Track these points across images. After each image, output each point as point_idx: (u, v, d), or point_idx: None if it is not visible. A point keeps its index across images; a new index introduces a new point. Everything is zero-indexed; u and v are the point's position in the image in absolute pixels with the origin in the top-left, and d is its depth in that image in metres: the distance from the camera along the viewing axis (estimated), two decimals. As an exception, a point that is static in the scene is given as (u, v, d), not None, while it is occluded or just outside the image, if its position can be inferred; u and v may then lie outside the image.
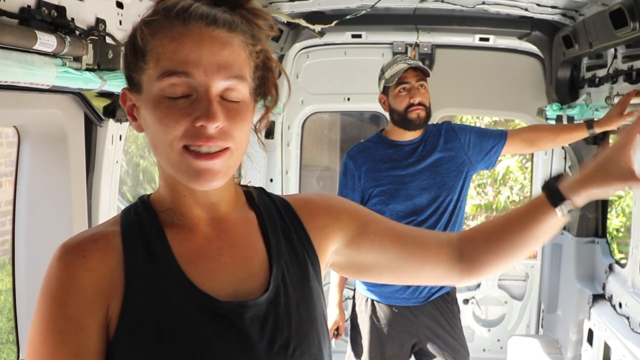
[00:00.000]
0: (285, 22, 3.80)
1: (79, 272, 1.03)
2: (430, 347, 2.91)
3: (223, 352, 1.03)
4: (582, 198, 1.22)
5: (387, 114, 3.00)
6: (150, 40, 1.02)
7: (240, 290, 1.09)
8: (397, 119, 2.85)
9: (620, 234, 6.98)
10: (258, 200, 1.20)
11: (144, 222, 1.11)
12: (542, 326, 4.60)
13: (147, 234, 1.09)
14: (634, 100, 2.78)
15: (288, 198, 1.25)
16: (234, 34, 1.03)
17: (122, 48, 1.14)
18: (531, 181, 4.80)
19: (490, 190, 8.35)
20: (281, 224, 1.19)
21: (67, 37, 1.81)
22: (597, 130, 2.89)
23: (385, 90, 2.88)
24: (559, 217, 1.23)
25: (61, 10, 1.89)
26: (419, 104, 2.81)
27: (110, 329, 1.04)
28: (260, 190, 1.24)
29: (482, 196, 8.32)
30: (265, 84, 1.13)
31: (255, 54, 1.08)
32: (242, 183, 1.24)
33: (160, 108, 1.01)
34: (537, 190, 4.54)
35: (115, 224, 1.12)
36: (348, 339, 3.08)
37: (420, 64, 2.86)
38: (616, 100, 2.90)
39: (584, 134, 2.94)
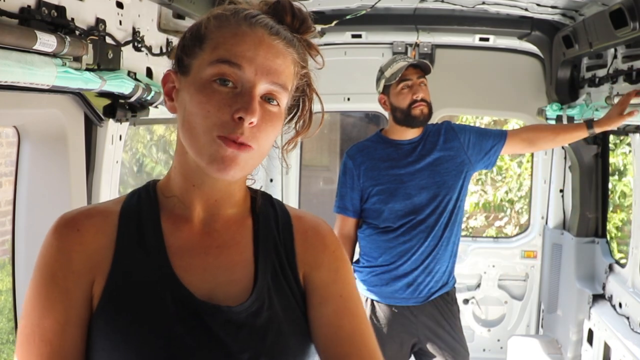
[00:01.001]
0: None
1: (71, 245, 1.08)
2: (430, 347, 2.91)
3: (191, 348, 1.05)
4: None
5: (387, 114, 2.99)
6: (214, 30, 1.08)
7: (216, 293, 1.10)
8: (400, 116, 2.85)
9: (621, 234, 6.97)
10: (260, 208, 1.21)
11: (144, 207, 1.14)
12: (542, 326, 4.60)
13: (144, 219, 1.13)
14: (634, 100, 2.78)
15: (293, 213, 1.24)
16: (291, 49, 1.10)
17: (177, 38, 1.17)
18: (531, 181, 4.80)
19: (490, 190, 8.35)
20: (276, 238, 1.19)
21: (67, 37, 1.81)
22: (597, 130, 2.89)
23: (385, 90, 2.88)
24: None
25: (61, 10, 1.90)
26: (422, 100, 2.81)
27: (93, 303, 1.08)
28: (267, 198, 1.25)
29: (482, 194, 8.32)
30: (301, 108, 1.18)
31: (300, 75, 1.14)
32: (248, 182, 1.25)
33: (204, 92, 1.05)
34: (538, 189, 4.55)
35: (118, 204, 1.15)
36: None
37: (422, 60, 2.87)
38: (616, 100, 2.90)
39: (584, 134, 2.94)
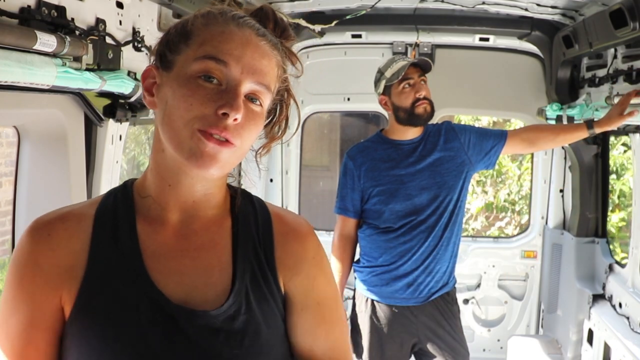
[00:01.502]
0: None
1: (41, 249, 1.07)
2: (430, 347, 2.91)
3: (163, 354, 1.04)
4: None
5: (387, 114, 2.99)
6: (201, 27, 1.08)
7: (193, 297, 1.09)
8: (404, 116, 2.84)
9: (622, 234, 6.97)
10: (239, 208, 1.19)
11: (119, 208, 1.12)
12: (542, 326, 4.60)
13: (119, 221, 1.11)
14: (634, 100, 2.78)
15: (273, 213, 1.22)
16: (275, 52, 1.12)
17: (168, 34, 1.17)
18: (531, 181, 4.80)
19: (491, 191, 8.35)
20: (255, 239, 1.16)
21: (67, 37, 1.81)
22: (597, 130, 2.89)
23: (386, 90, 2.87)
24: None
25: (61, 10, 1.90)
26: (424, 98, 2.82)
27: (65, 309, 1.06)
28: (246, 196, 1.22)
29: (483, 196, 8.32)
30: (278, 113, 1.18)
31: (281, 80, 1.15)
32: (241, 182, 1.24)
33: (188, 87, 1.05)
34: (538, 189, 4.55)
35: (92, 206, 1.13)
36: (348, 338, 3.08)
37: (422, 58, 2.87)
38: (616, 100, 2.90)
39: (584, 134, 2.94)
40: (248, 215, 1.18)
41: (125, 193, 1.15)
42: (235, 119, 1.03)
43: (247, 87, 1.06)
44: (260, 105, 1.09)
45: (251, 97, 1.08)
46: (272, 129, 1.18)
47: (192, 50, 1.07)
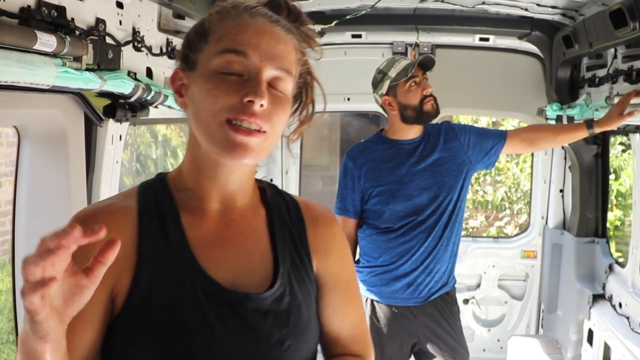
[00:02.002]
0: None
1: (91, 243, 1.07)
2: (430, 347, 2.91)
3: (223, 337, 1.10)
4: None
5: (386, 115, 2.99)
6: (216, 24, 1.13)
7: (239, 281, 1.14)
8: (412, 114, 2.84)
9: (619, 233, 6.97)
10: (271, 198, 1.26)
11: (161, 202, 1.17)
12: (542, 326, 4.60)
13: (163, 214, 1.15)
14: (634, 100, 2.78)
15: (300, 201, 1.30)
16: (291, 35, 1.15)
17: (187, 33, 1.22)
18: (531, 181, 4.80)
19: (490, 190, 8.36)
20: (289, 225, 1.24)
21: (67, 37, 1.81)
22: (597, 130, 2.89)
23: (390, 90, 2.86)
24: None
25: (61, 10, 1.89)
26: (431, 95, 2.82)
27: (117, 301, 1.09)
28: (274, 187, 1.30)
29: (483, 196, 8.33)
30: (304, 97, 1.23)
31: (301, 63, 1.18)
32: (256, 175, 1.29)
33: (213, 81, 1.09)
34: (538, 189, 4.56)
35: (130, 198, 1.17)
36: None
37: (427, 54, 2.88)
38: (616, 100, 2.90)
39: (584, 134, 2.94)
40: (279, 204, 1.26)
41: (163, 187, 1.19)
42: (262, 105, 1.07)
43: (268, 73, 1.10)
44: (284, 90, 1.13)
45: (274, 84, 1.11)
46: (301, 113, 1.23)
47: (211, 46, 1.11)
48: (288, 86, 1.14)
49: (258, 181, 1.27)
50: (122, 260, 1.07)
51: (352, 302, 1.30)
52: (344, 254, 1.30)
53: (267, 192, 1.27)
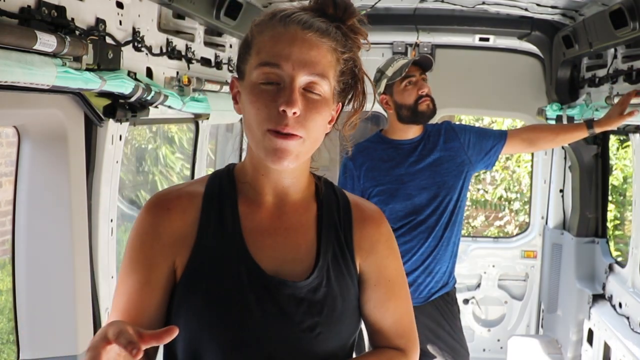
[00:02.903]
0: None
1: (161, 221, 1.25)
2: (430, 348, 2.91)
3: (259, 317, 1.21)
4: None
5: (386, 114, 2.99)
6: (256, 36, 1.22)
7: (283, 269, 1.25)
8: (407, 114, 2.84)
9: (619, 232, 6.96)
10: (323, 194, 1.35)
11: (224, 190, 1.30)
12: (542, 326, 4.60)
13: (224, 201, 1.28)
14: (634, 100, 2.78)
15: (352, 200, 1.38)
16: (325, 39, 1.21)
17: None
18: (531, 181, 4.80)
19: (491, 189, 8.36)
20: (337, 223, 1.33)
21: (67, 37, 1.81)
22: (597, 130, 2.89)
23: (387, 89, 2.87)
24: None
25: (61, 10, 1.89)
26: (427, 95, 2.82)
27: (177, 272, 1.24)
28: (329, 185, 1.38)
29: (483, 195, 8.32)
30: (353, 90, 1.31)
31: (343, 61, 1.25)
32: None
33: (254, 92, 1.19)
34: (538, 189, 4.56)
35: (201, 184, 1.31)
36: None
37: (424, 55, 2.88)
38: (616, 100, 2.90)
39: (584, 134, 2.94)
40: (331, 202, 1.35)
41: (229, 177, 1.32)
42: (295, 113, 1.15)
43: (301, 80, 1.17)
44: (319, 93, 1.20)
45: (309, 88, 1.18)
46: (353, 104, 1.32)
47: (253, 58, 1.21)
48: (324, 88, 1.20)
49: (315, 177, 1.37)
50: (184, 238, 1.25)
51: (394, 298, 1.37)
52: (388, 254, 1.38)
53: (321, 189, 1.35)
